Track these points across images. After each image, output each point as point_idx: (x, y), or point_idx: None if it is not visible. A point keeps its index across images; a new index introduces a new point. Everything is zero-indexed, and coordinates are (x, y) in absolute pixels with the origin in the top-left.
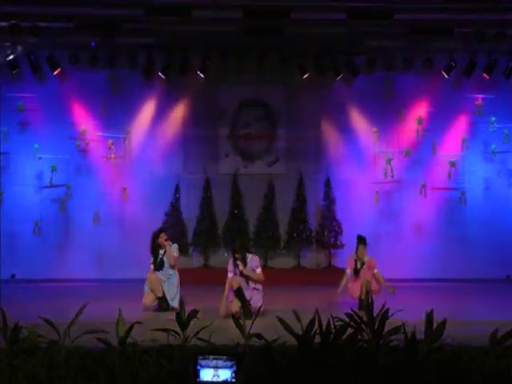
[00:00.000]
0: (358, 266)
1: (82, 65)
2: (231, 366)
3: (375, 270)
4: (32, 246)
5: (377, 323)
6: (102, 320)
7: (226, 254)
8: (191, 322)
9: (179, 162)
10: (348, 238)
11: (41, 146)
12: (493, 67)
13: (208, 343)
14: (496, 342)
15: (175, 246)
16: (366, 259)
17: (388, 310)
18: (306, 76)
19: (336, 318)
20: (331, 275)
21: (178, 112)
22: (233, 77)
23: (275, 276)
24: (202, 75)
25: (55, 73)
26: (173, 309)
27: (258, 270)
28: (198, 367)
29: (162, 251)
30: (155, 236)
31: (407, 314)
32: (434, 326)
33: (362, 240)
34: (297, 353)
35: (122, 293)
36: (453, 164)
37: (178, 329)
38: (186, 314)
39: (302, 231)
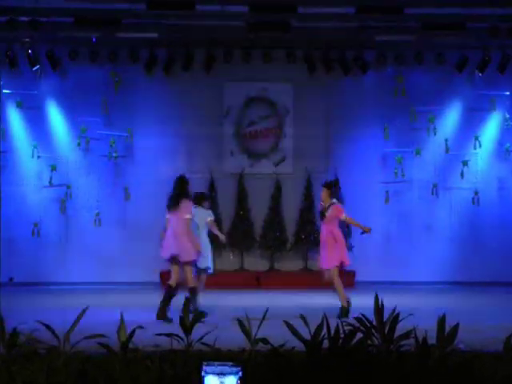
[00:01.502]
0: (325, 210)
1: (83, 60)
2: (237, 373)
3: (343, 216)
4: (31, 247)
5: (387, 328)
6: (103, 324)
7: (231, 256)
8: (195, 327)
9: (183, 161)
10: (357, 240)
11: (40, 145)
12: (506, 63)
13: (213, 348)
14: (510, 348)
15: None
16: (328, 202)
17: (399, 314)
18: (313, 72)
19: (345, 322)
20: (341, 278)
21: (182, 109)
22: (238, 73)
23: (282, 278)
24: (206, 71)
25: (55, 69)
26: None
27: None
28: (203, 373)
29: None
30: None
31: (418, 318)
32: (446, 330)
33: (325, 184)
34: (304, 358)
35: (124, 296)
36: (465, 163)
37: (181, 333)
38: (190, 318)
39: (310, 232)
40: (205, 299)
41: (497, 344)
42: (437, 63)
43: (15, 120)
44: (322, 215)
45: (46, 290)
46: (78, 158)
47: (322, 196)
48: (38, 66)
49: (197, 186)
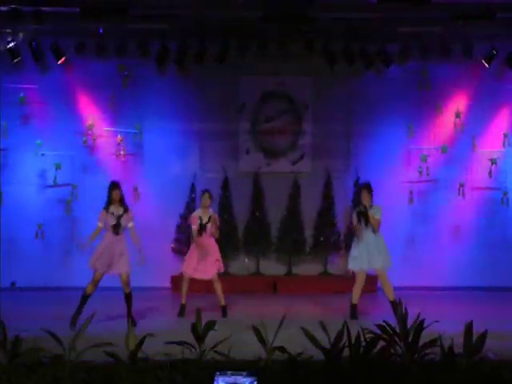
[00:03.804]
0: (204, 221)
1: (89, 53)
2: (251, 382)
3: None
4: (34, 250)
5: (411, 335)
6: (111, 332)
7: (246, 260)
8: (208, 335)
9: (195, 159)
10: None
11: (44, 142)
12: None
13: (226, 357)
14: None
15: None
16: (210, 213)
17: (423, 320)
18: (334, 65)
19: (366, 329)
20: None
21: (194, 104)
22: (254, 66)
23: (300, 283)
24: (220, 65)
25: (59, 62)
26: None
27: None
28: (215, 383)
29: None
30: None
31: (444, 325)
32: (474, 338)
33: (206, 191)
34: (324, 367)
35: (133, 302)
36: (494, 161)
37: (193, 342)
38: (203, 326)
39: (330, 235)
40: (217, 305)
41: None
42: (464, 56)
43: (18, 116)
44: (203, 227)
45: (50, 295)
46: (84, 156)
47: (204, 202)
48: (41, 59)
49: (210, 185)
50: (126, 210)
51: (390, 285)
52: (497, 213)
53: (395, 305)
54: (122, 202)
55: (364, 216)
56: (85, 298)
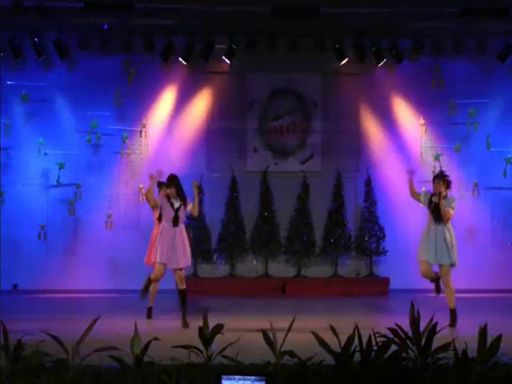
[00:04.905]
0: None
1: (93, 50)
2: None
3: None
4: (36, 252)
5: (424, 339)
6: (116, 336)
7: (254, 262)
8: (215, 338)
9: (202, 158)
10: (391, 244)
11: (47, 141)
12: None
13: (234, 361)
14: None
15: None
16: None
17: (436, 324)
18: (344, 62)
19: (378, 333)
20: (372, 285)
21: (201, 102)
22: (262, 63)
23: (310, 286)
24: (227, 61)
25: (63, 59)
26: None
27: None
28: None
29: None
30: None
31: (458, 328)
32: (488, 342)
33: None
34: (334, 372)
35: (138, 305)
36: (509, 161)
37: (200, 346)
38: (210, 329)
39: (340, 236)
40: (226, 310)
41: None
42: (478, 52)
43: (20, 114)
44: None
45: (53, 298)
46: (88, 155)
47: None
48: (44, 56)
49: (217, 185)
50: (184, 202)
51: (453, 290)
52: None
53: (454, 314)
54: (180, 194)
55: (435, 207)
56: (150, 282)
